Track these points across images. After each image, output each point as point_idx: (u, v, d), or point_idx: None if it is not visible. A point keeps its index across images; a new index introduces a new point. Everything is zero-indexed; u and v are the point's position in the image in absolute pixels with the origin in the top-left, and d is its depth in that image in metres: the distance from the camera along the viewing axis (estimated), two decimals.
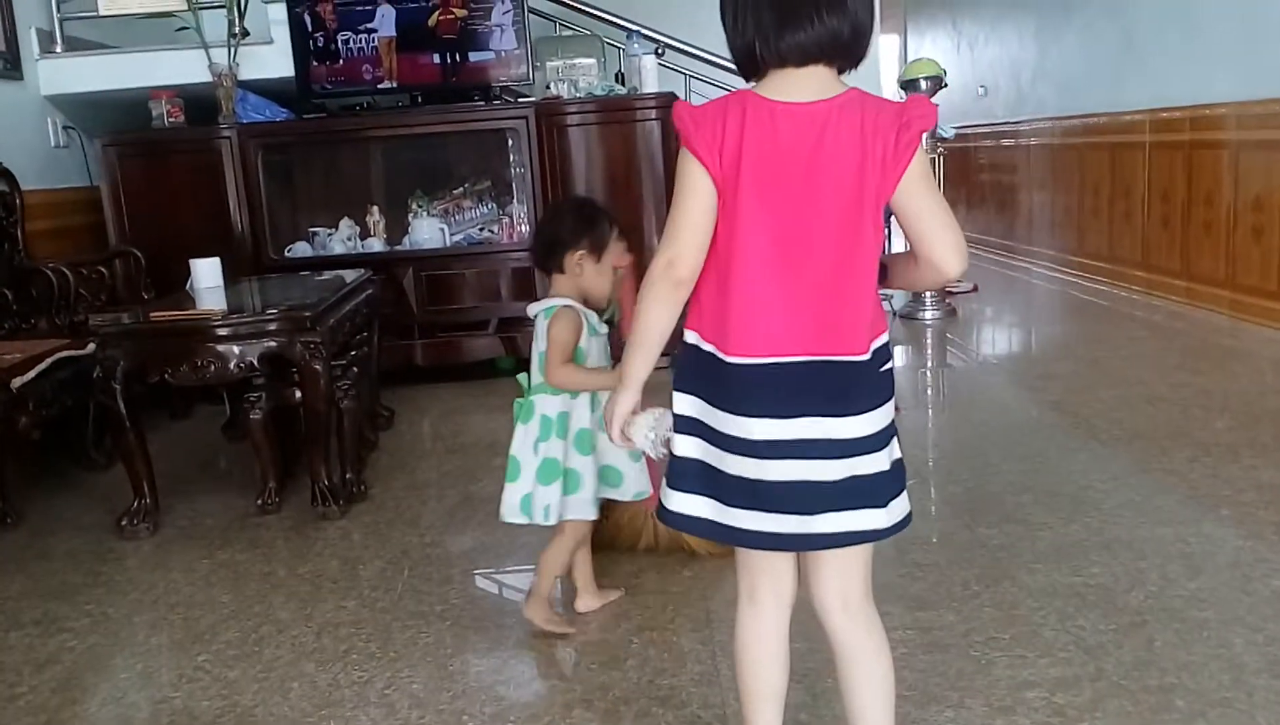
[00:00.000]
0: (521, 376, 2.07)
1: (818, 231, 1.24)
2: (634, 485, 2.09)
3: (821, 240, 1.24)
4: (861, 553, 1.36)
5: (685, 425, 1.32)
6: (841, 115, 1.23)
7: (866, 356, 1.27)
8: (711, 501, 1.32)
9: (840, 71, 1.27)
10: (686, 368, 1.32)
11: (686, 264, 1.26)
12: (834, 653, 1.41)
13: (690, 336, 1.31)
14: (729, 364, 1.26)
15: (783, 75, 1.25)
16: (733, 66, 1.31)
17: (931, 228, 1.26)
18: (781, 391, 1.25)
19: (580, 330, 1.97)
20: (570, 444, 2.01)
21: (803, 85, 1.24)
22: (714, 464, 1.30)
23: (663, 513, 1.35)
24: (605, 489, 2.07)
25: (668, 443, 1.35)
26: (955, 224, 1.28)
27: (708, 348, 1.29)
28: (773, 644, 1.42)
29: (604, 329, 2.06)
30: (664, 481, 1.35)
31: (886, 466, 1.31)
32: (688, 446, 1.32)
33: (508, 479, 2.01)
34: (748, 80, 1.31)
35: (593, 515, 2.05)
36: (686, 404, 1.32)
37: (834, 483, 1.27)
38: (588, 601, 2.19)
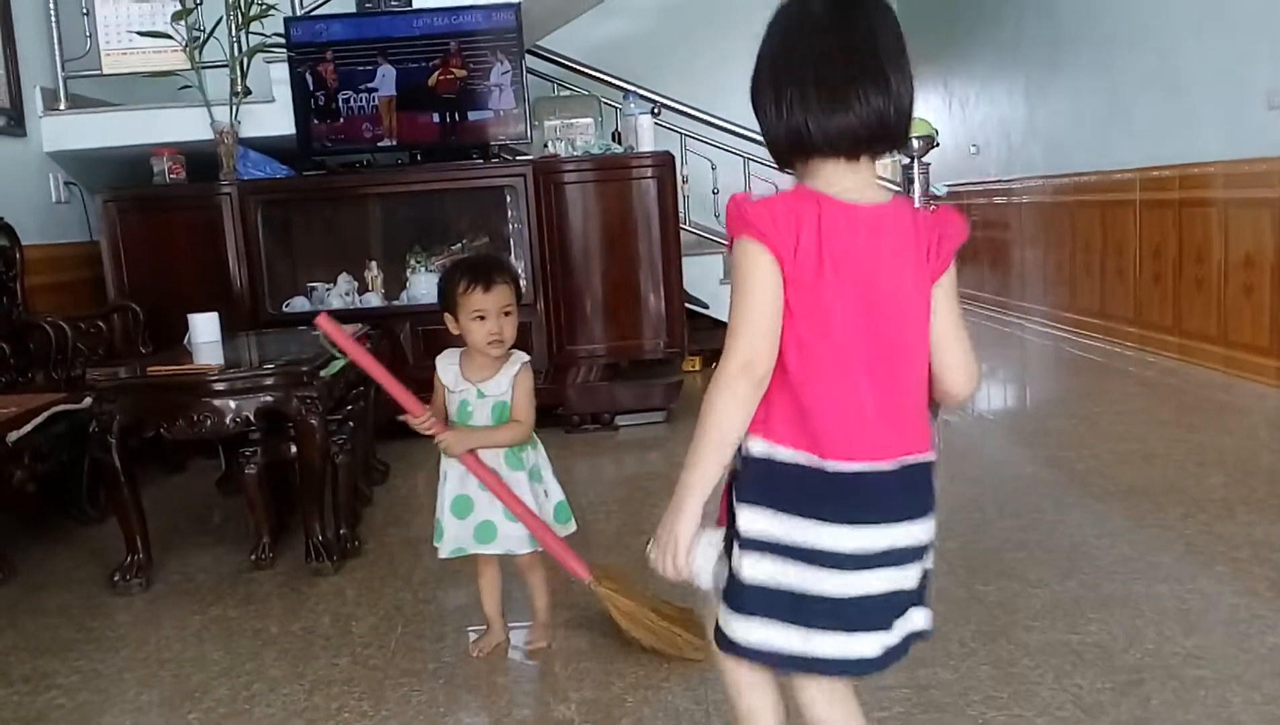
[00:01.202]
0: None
1: (896, 332, 1.22)
2: (507, 543, 2.15)
3: (900, 341, 1.22)
4: None
5: (759, 545, 1.22)
6: (900, 217, 1.23)
7: (935, 455, 1.26)
8: (790, 628, 1.22)
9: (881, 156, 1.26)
10: (759, 480, 1.22)
11: (765, 361, 1.18)
12: None
13: (759, 445, 1.22)
14: (831, 473, 1.19)
15: (837, 170, 1.21)
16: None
17: (954, 349, 1.26)
18: (880, 498, 1.21)
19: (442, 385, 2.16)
20: (449, 508, 2.14)
21: (860, 183, 1.22)
22: (795, 586, 1.21)
23: (725, 642, 1.26)
24: (475, 545, 2.15)
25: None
26: (971, 348, 1.28)
27: (788, 455, 1.20)
28: (771, 694, 1.38)
29: (462, 388, 2.14)
30: (725, 605, 1.25)
31: (931, 563, 1.30)
32: (761, 569, 1.22)
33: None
34: (784, 169, 1.27)
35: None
36: (761, 520, 1.21)
37: (912, 590, 1.26)
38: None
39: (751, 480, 1.23)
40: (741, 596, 1.23)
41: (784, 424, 1.21)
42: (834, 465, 1.19)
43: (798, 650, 1.22)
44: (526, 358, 2.18)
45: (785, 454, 1.21)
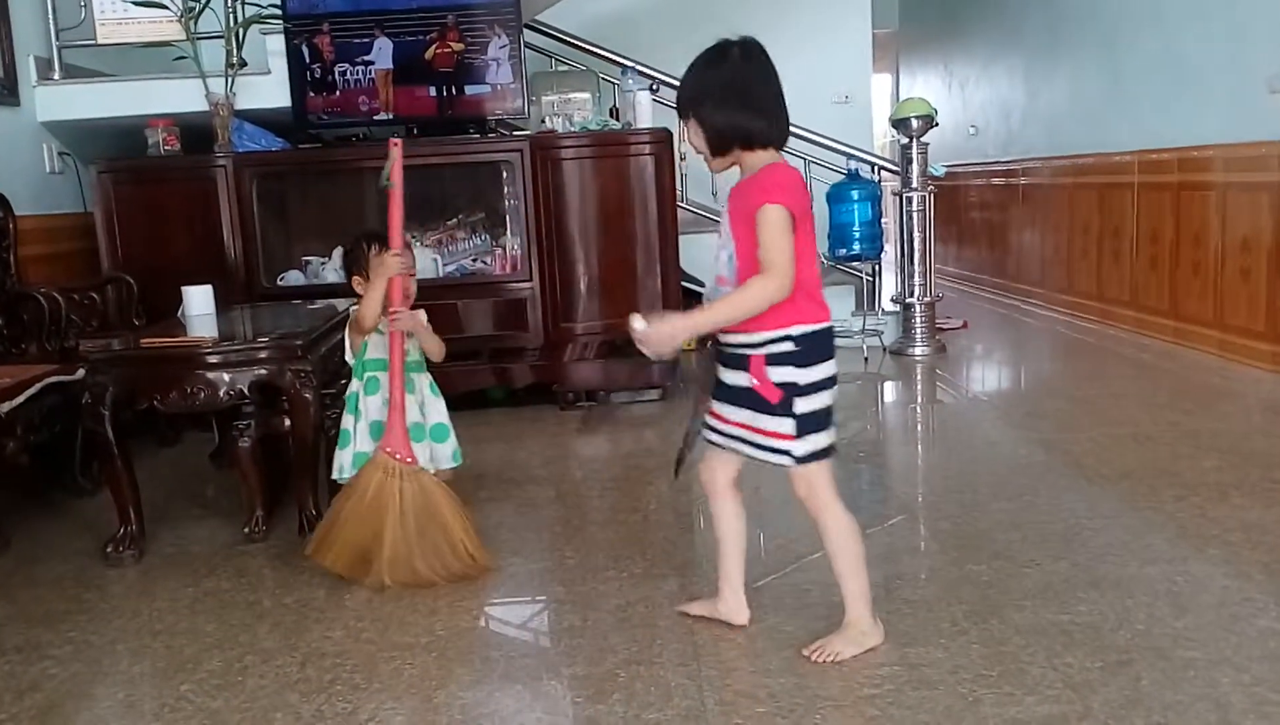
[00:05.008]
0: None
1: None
2: (437, 462, 2.64)
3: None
4: None
5: (811, 388, 1.93)
6: None
7: None
8: (823, 433, 1.97)
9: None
10: (818, 345, 1.94)
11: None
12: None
13: (799, 327, 1.91)
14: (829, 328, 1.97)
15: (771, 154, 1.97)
16: None
17: None
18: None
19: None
20: (369, 435, 2.60)
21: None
22: (823, 406, 1.96)
23: (825, 452, 1.97)
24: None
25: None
26: None
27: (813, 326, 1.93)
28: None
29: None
30: (812, 437, 1.93)
31: None
32: (812, 403, 1.93)
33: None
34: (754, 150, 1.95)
35: None
36: (817, 372, 1.94)
37: None
38: None
39: (808, 348, 1.92)
40: (818, 422, 1.94)
41: (805, 309, 1.92)
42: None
43: (825, 444, 1.97)
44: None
45: (812, 326, 1.94)
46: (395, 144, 2.47)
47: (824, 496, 2.00)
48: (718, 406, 2.02)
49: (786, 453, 1.93)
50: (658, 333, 1.88)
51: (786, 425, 1.92)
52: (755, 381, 1.93)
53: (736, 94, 1.91)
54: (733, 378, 1.97)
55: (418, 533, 2.44)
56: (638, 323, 1.89)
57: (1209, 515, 2.70)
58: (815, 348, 1.93)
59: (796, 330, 1.90)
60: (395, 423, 2.50)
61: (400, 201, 2.50)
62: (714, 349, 2.01)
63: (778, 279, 1.84)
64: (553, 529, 2.88)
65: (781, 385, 1.91)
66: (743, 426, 1.97)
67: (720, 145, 1.94)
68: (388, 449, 2.48)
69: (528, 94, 4.54)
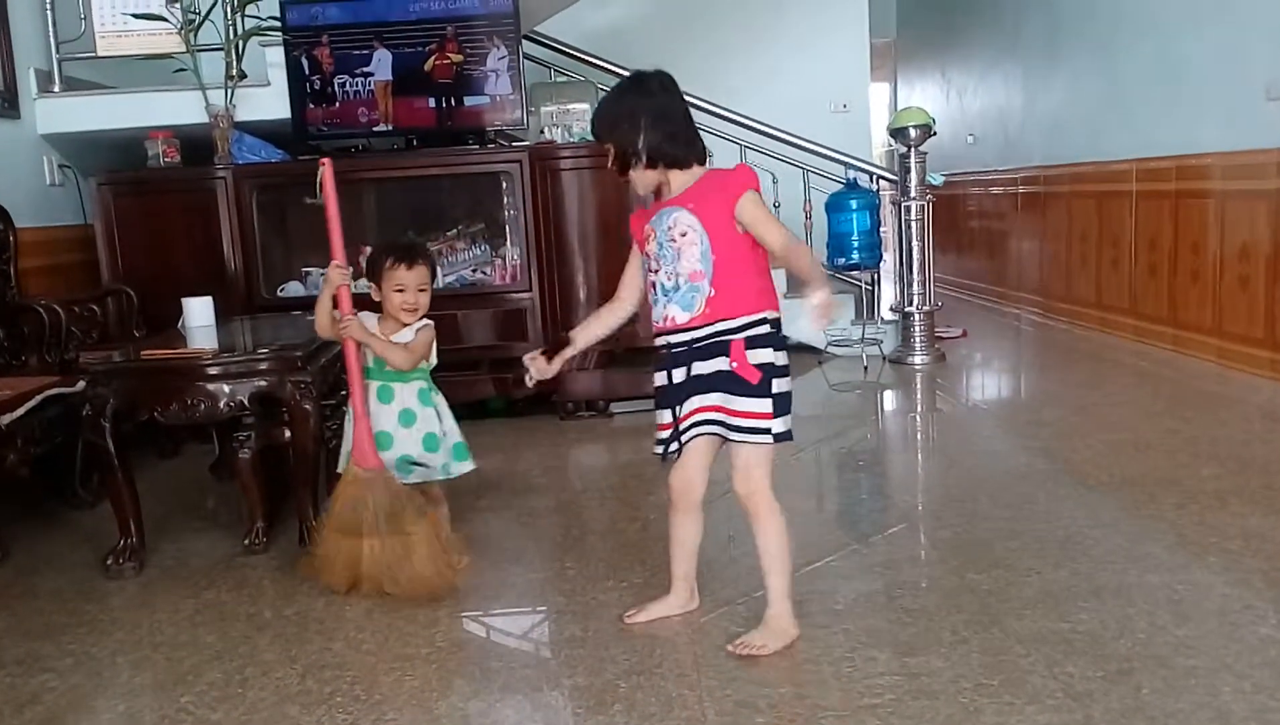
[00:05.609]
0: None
1: None
2: (424, 474, 2.60)
3: None
4: None
5: (785, 370, 2.08)
6: None
7: None
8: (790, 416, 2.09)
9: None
10: (777, 331, 2.08)
11: None
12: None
13: (775, 312, 2.08)
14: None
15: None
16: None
17: None
18: None
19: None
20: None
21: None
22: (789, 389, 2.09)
23: (778, 438, 2.05)
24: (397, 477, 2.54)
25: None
26: None
27: (779, 313, 2.09)
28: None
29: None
30: (785, 417, 2.06)
31: None
32: (787, 383, 2.08)
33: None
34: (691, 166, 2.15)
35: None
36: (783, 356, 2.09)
37: None
38: None
39: (777, 332, 2.08)
40: (788, 406, 2.07)
41: (774, 297, 2.10)
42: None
43: (789, 428, 2.09)
44: (431, 323, 2.61)
45: (778, 312, 2.10)
46: (324, 162, 2.53)
47: (763, 489, 2.10)
48: (692, 400, 2.09)
49: (766, 431, 2.04)
50: (829, 297, 1.97)
51: (765, 405, 2.04)
52: (735, 364, 2.04)
53: (668, 119, 2.09)
54: (709, 366, 2.07)
55: (392, 535, 2.45)
56: (823, 296, 1.95)
57: (1209, 523, 2.70)
58: (780, 333, 2.09)
59: (771, 314, 2.06)
60: (359, 431, 2.52)
61: (337, 216, 2.55)
62: (671, 354, 2.11)
63: (800, 241, 2.11)
64: (553, 539, 2.88)
65: (761, 366, 2.04)
66: (718, 409, 2.07)
67: (656, 163, 2.11)
68: (354, 459, 2.51)
69: (527, 105, 4.54)
